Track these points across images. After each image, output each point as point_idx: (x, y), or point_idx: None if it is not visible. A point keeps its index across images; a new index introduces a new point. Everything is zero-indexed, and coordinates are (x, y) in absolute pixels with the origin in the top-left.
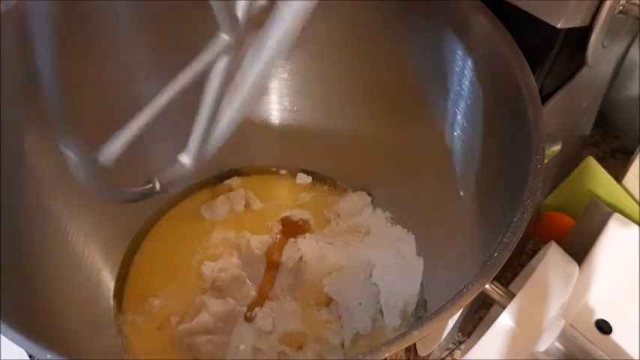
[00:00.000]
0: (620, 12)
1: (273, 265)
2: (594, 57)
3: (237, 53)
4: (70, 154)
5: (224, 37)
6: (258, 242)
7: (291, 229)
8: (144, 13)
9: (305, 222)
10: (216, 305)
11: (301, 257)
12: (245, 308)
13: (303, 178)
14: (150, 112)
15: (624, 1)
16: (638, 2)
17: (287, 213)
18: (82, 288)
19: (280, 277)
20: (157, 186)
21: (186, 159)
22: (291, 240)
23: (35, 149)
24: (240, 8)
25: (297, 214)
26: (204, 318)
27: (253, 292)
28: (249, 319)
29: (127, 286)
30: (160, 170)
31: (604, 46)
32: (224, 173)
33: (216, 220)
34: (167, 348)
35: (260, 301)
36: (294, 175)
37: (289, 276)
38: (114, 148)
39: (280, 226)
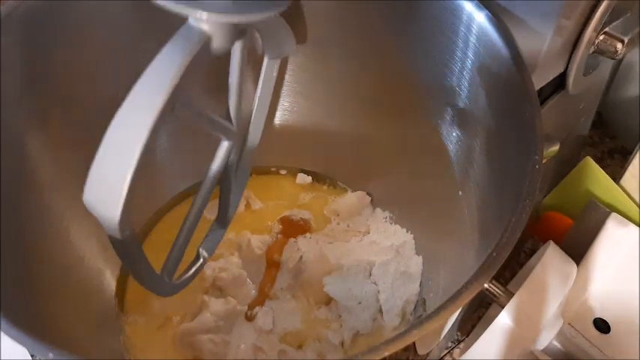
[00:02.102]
0: (595, 52)
1: (273, 265)
2: (576, 87)
3: (241, 148)
4: (147, 282)
5: (226, 143)
6: (258, 242)
7: (292, 228)
8: None
9: (305, 221)
10: (217, 304)
11: (301, 257)
12: (246, 307)
13: (302, 178)
14: (191, 224)
15: (600, 40)
16: (612, 45)
17: (287, 213)
18: (84, 288)
19: (280, 277)
20: (206, 255)
21: (218, 223)
22: (291, 240)
23: (37, 150)
24: (232, 111)
25: (297, 214)
26: (206, 317)
27: (254, 292)
28: (249, 318)
29: (129, 286)
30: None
31: (585, 76)
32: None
33: (214, 214)
34: (168, 347)
35: (260, 300)
36: (294, 175)
37: (289, 276)
38: (173, 264)
39: (280, 226)
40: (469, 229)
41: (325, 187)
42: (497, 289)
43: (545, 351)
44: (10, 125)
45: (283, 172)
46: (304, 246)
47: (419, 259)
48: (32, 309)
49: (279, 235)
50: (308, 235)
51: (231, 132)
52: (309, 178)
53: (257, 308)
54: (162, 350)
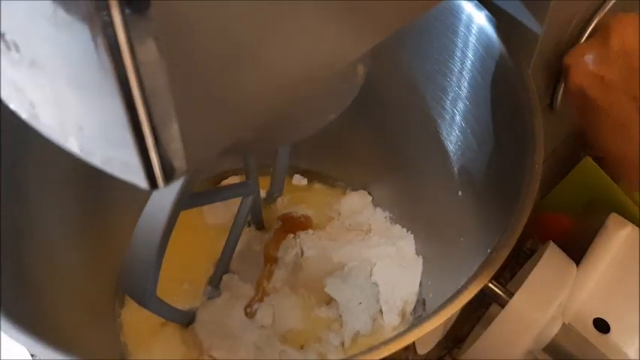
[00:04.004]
0: None
1: (271, 260)
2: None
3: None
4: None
5: (249, 198)
6: (256, 238)
7: (292, 224)
8: None
9: (306, 218)
10: (217, 303)
11: (302, 252)
12: (245, 304)
13: (298, 180)
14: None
15: None
16: None
17: (287, 210)
18: (85, 287)
19: (278, 272)
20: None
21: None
22: (290, 235)
23: (38, 146)
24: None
25: (299, 212)
26: (207, 316)
27: (253, 289)
28: (249, 315)
29: None
30: None
31: None
32: (223, 173)
33: (216, 219)
34: (168, 347)
35: (260, 296)
36: (292, 175)
37: (287, 270)
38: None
39: (280, 223)
40: (469, 229)
41: (325, 187)
42: (497, 289)
43: (545, 351)
44: (12, 123)
45: None
46: (306, 241)
47: (419, 259)
48: (32, 309)
49: (276, 231)
50: (310, 231)
51: (250, 186)
52: (304, 180)
53: (256, 305)
54: (162, 350)
